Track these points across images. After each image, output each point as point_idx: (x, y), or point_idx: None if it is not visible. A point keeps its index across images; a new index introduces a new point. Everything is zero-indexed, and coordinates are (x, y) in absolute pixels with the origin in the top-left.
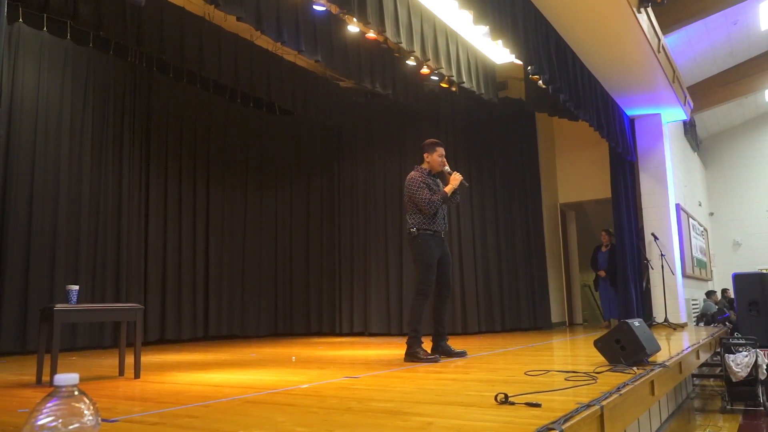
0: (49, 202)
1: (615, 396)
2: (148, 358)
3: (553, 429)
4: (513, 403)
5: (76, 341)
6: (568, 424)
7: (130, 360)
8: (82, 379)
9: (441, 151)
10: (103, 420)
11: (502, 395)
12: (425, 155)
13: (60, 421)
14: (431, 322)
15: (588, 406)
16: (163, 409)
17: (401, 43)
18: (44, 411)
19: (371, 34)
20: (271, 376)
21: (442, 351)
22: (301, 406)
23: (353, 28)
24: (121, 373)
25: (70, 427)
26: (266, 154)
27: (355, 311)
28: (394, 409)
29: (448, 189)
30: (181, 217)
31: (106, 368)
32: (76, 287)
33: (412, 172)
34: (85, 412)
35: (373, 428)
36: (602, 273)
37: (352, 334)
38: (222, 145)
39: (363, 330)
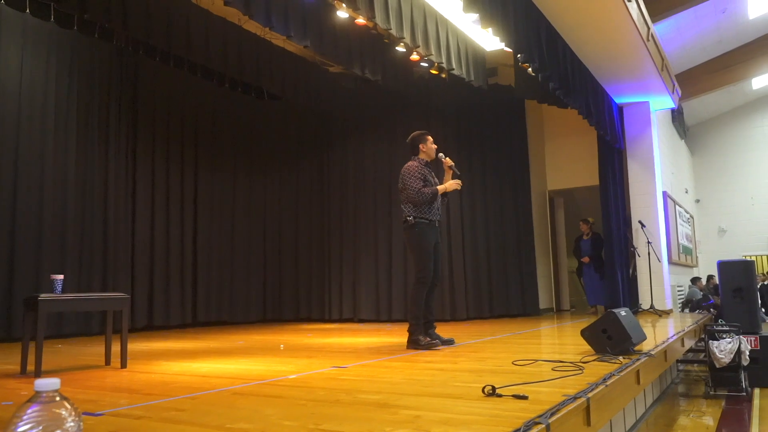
0: (35, 189)
1: (601, 387)
2: (136, 345)
3: (540, 423)
4: (500, 395)
5: (63, 328)
6: (554, 417)
7: (116, 348)
8: (67, 369)
9: (431, 138)
10: (87, 413)
11: (490, 387)
12: (420, 146)
13: (41, 427)
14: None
15: (574, 398)
16: (150, 402)
17: (391, 29)
18: (24, 418)
19: (361, 20)
20: (260, 366)
21: (432, 339)
22: (289, 398)
23: (342, 13)
24: (108, 362)
25: None
26: (255, 140)
27: (345, 297)
28: (382, 402)
29: (442, 189)
30: (169, 203)
31: (93, 357)
32: (61, 277)
33: (410, 162)
34: (67, 418)
35: (361, 422)
36: (586, 259)
37: (341, 320)
38: (210, 130)
39: (352, 316)
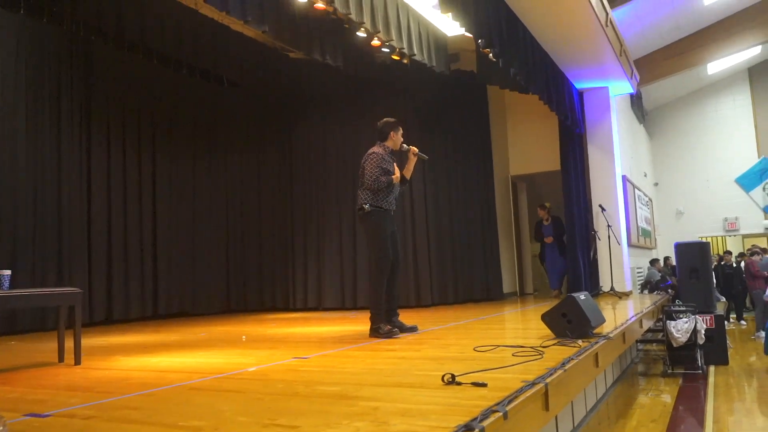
0: None
1: (559, 372)
2: (94, 340)
3: (497, 411)
4: (460, 383)
5: (17, 324)
6: (512, 404)
7: (71, 344)
8: (19, 367)
9: (401, 130)
10: (34, 415)
11: (449, 375)
12: (391, 133)
13: None
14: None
15: (532, 384)
16: (101, 400)
17: (350, 13)
18: None
19: (320, 4)
20: (219, 359)
21: (393, 327)
22: (247, 392)
23: None
24: (61, 359)
25: None
26: (216, 127)
27: (309, 286)
28: (341, 393)
29: (407, 170)
30: (126, 193)
31: (47, 353)
32: (8, 272)
33: (375, 148)
34: None
35: (318, 415)
36: (550, 239)
37: (306, 309)
38: (169, 118)
39: (317, 305)
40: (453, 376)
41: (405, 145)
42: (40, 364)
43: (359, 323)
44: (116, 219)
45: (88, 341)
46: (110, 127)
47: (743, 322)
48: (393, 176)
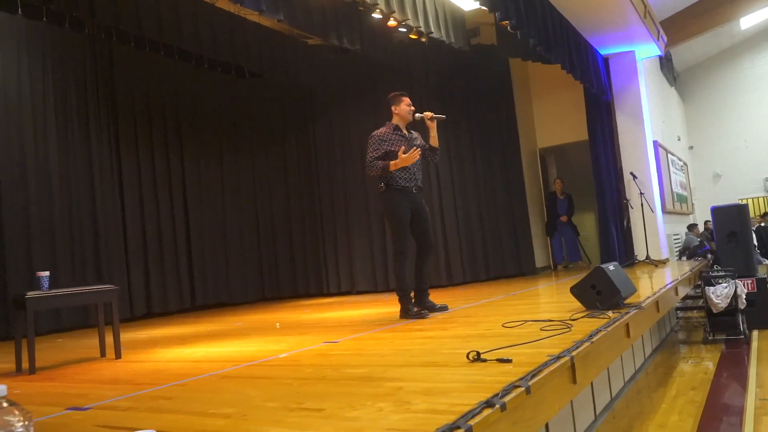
0: (18, 186)
1: (586, 344)
2: (135, 334)
3: (519, 386)
4: (485, 360)
5: (62, 321)
6: (535, 379)
7: (111, 339)
8: (63, 363)
9: (407, 100)
10: (74, 408)
11: (474, 353)
12: (393, 108)
13: None
14: (413, 279)
15: (557, 358)
16: (138, 392)
17: None
18: None
19: None
20: (253, 347)
21: (423, 307)
22: (276, 378)
23: None
24: (103, 354)
25: None
26: (239, 119)
27: (341, 270)
28: (367, 375)
29: (432, 138)
30: (157, 189)
31: (90, 349)
32: (47, 273)
33: (381, 128)
34: (15, 423)
35: (343, 397)
36: (564, 218)
37: (339, 293)
38: (192, 113)
39: (350, 289)
40: (478, 354)
41: (417, 114)
42: (83, 360)
43: (391, 305)
44: (149, 216)
45: (129, 335)
46: (137, 126)
47: None
48: (390, 162)
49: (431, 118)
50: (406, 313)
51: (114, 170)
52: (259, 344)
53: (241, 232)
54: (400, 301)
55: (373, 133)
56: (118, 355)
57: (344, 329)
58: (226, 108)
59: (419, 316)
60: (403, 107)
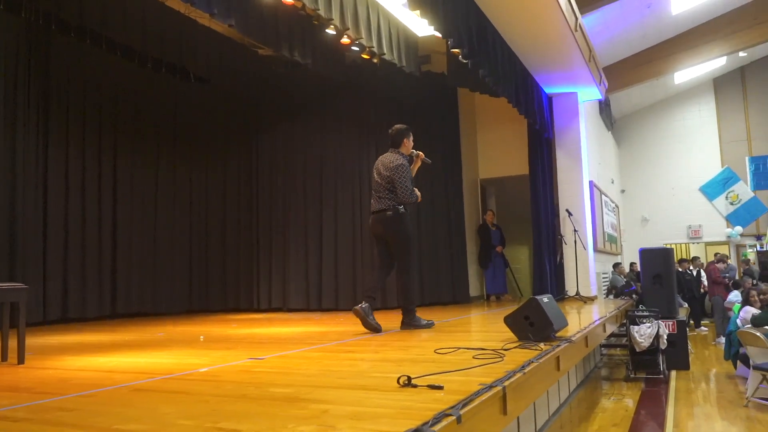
0: None
1: (519, 375)
2: (45, 339)
3: (451, 415)
4: (415, 386)
5: None
6: (467, 408)
7: (15, 343)
8: None
9: (412, 136)
10: None
11: (405, 378)
12: (405, 140)
13: None
14: (364, 294)
15: (490, 387)
16: (38, 401)
17: (319, 9)
18: None
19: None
20: (172, 359)
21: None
22: (193, 395)
23: None
24: (4, 358)
25: None
26: (181, 124)
27: (274, 286)
28: (292, 396)
29: (412, 173)
30: (85, 189)
31: None
32: None
33: (399, 158)
34: None
35: (264, 418)
36: (500, 249)
37: (270, 309)
38: (132, 113)
39: (282, 306)
40: (409, 378)
41: (414, 151)
42: None
43: (324, 324)
44: (74, 217)
45: (39, 340)
46: (69, 121)
47: (703, 328)
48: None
49: (422, 159)
50: (416, 324)
51: (39, 167)
52: (179, 357)
53: (173, 240)
54: (410, 312)
55: (400, 163)
56: (21, 360)
57: (271, 346)
58: (169, 111)
59: (429, 325)
60: (411, 142)
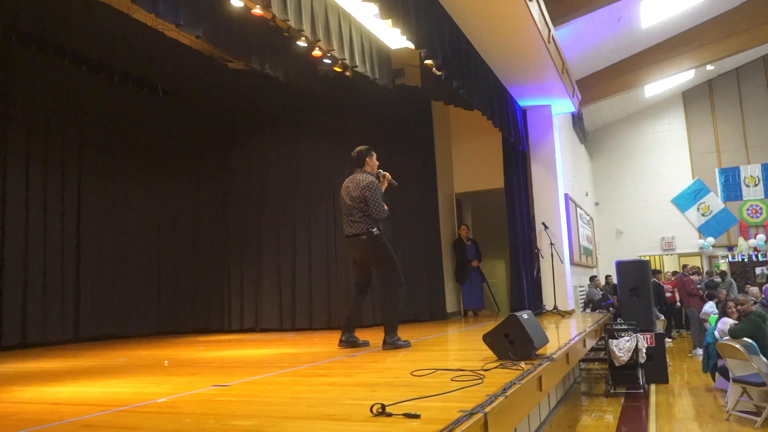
0: None
1: (500, 399)
2: None
3: None
4: (390, 414)
5: None
6: None
7: None
8: None
9: (375, 155)
10: None
11: (379, 406)
12: (367, 159)
13: None
14: (347, 322)
15: (470, 414)
16: None
17: (289, 20)
18: None
19: (257, 10)
20: (129, 387)
21: (352, 340)
22: (147, 430)
23: (237, 2)
24: None
25: None
26: (151, 139)
27: (246, 306)
28: (255, 428)
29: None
30: (47, 205)
31: None
32: None
33: (368, 176)
34: None
35: None
36: (476, 263)
37: (242, 330)
38: (98, 128)
39: (254, 326)
40: (383, 407)
41: (381, 171)
42: None
43: (297, 345)
44: (34, 233)
45: None
46: (31, 135)
47: (668, 339)
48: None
49: (389, 181)
50: (395, 344)
51: None
52: (138, 385)
53: (141, 260)
54: (393, 329)
55: (371, 182)
56: None
57: (239, 371)
58: (137, 126)
59: (407, 344)
60: (375, 160)
